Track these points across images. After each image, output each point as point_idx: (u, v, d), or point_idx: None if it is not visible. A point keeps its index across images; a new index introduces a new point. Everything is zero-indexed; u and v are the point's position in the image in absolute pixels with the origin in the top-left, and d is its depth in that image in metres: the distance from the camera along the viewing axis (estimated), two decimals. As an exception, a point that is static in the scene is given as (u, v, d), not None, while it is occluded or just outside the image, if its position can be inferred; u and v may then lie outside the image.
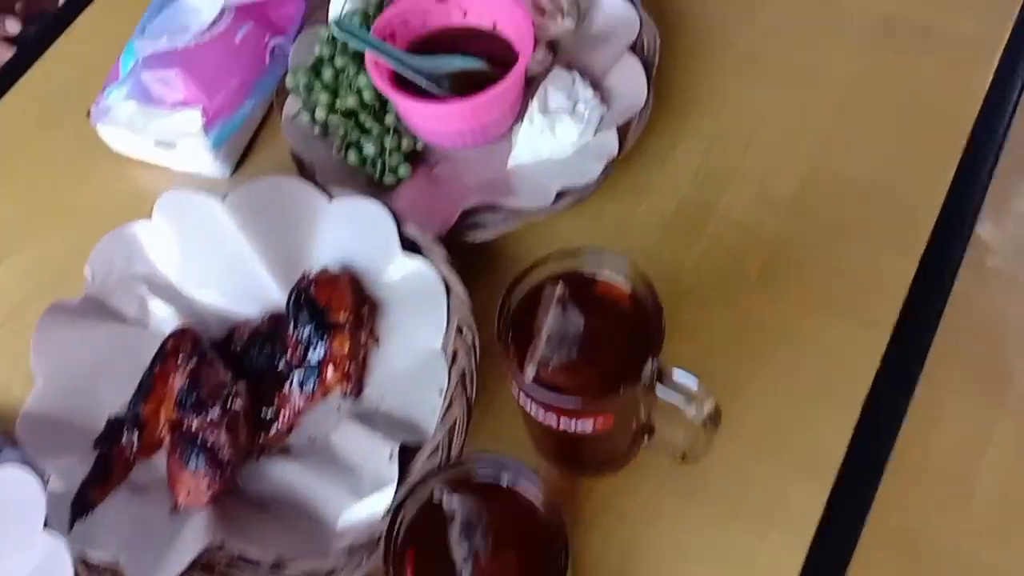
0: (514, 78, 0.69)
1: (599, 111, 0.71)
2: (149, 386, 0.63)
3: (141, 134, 0.75)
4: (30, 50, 0.88)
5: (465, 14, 0.74)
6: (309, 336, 0.63)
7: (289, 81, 0.75)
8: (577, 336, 0.50)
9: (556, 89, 0.71)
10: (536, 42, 0.74)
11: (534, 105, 0.71)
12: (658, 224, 0.71)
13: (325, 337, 0.63)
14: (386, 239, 0.65)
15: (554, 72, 0.73)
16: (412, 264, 0.64)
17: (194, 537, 0.57)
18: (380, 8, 0.77)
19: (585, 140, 0.71)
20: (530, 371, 0.50)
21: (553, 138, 0.70)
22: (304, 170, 0.73)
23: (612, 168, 0.69)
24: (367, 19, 0.76)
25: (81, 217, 0.79)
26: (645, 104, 0.71)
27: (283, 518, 0.60)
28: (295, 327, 0.64)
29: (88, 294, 0.67)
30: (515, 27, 0.71)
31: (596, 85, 0.73)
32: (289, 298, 0.65)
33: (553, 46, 0.77)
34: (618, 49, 0.74)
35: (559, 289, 0.51)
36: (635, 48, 0.74)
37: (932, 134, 0.72)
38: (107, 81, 0.77)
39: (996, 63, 0.74)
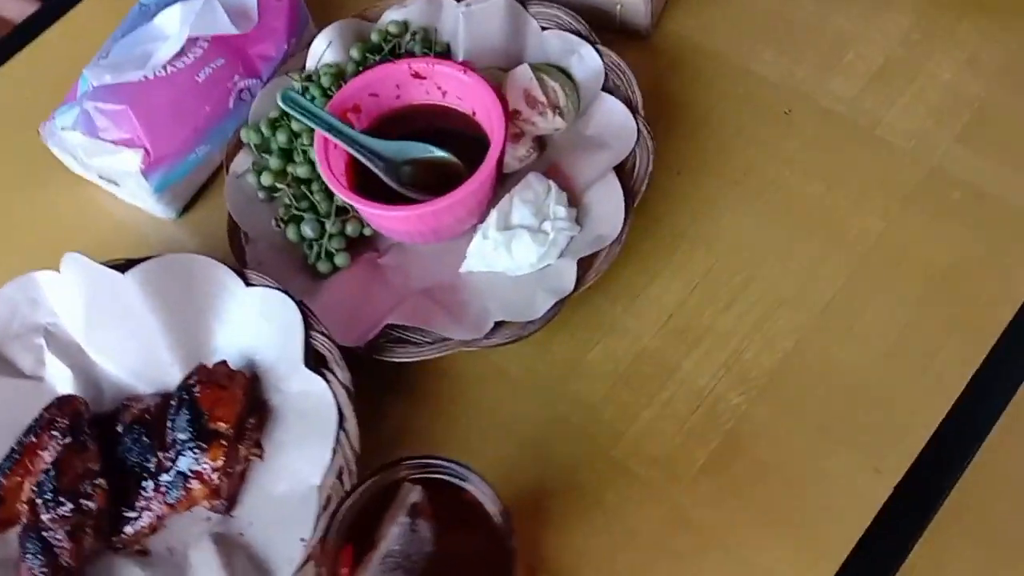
0: (474, 185, 0.60)
1: (568, 234, 0.63)
2: (17, 456, 0.59)
3: (84, 165, 0.70)
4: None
5: (444, 94, 0.66)
6: (183, 441, 0.57)
7: (243, 135, 0.68)
8: (422, 558, 0.43)
9: (523, 202, 0.63)
10: (521, 136, 0.66)
11: (492, 217, 0.62)
12: (609, 375, 0.62)
13: (199, 446, 0.57)
14: (294, 344, 0.59)
15: (528, 179, 0.64)
16: (311, 381, 0.58)
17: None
18: (358, 68, 0.69)
19: (547, 263, 0.62)
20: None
21: (509, 256, 0.62)
22: (236, 236, 0.66)
23: (562, 305, 0.60)
24: (340, 77, 0.69)
25: (26, 234, 0.75)
26: (617, 239, 0.61)
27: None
28: (171, 427, 0.58)
29: (-18, 341, 0.63)
30: (489, 120, 0.63)
31: (574, 200, 0.64)
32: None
33: (542, 142, 0.68)
34: (607, 163, 0.65)
35: (414, 496, 0.43)
36: (624, 166, 0.64)
37: (956, 328, 0.60)
38: (66, 98, 0.71)
39: (1056, 253, 0.62)
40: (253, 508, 0.58)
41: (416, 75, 0.65)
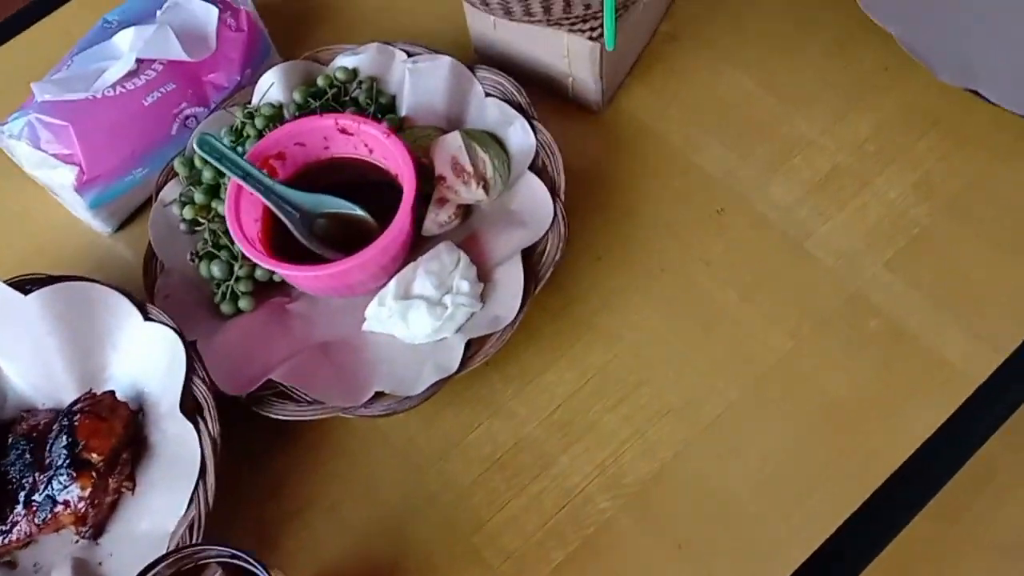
0: (380, 246, 0.61)
1: (467, 310, 0.63)
2: (-98, 451, 0.62)
3: (28, 172, 0.72)
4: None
5: (371, 151, 0.67)
6: (57, 466, 0.59)
7: (175, 164, 0.70)
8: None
9: (427, 272, 0.63)
10: (445, 202, 0.67)
11: (391, 286, 0.63)
12: (486, 458, 0.62)
13: (70, 474, 0.59)
14: (176, 386, 0.60)
15: (439, 249, 0.65)
16: (184, 427, 0.59)
17: None
18: (297, 112, 0.70)
19: (442, 336, 0.63)
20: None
21: (404, 326, 0.62)
22: (152, 264, 0.68)
23: (443, 384, 0.60)
24: (276, 120, 0.69)
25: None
26: (511, 323, 0.61)
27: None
28: (49, 451, 0.60)
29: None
30: (406, 183, 0.63)
31: (484, 275, 0.64)
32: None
33: (467, 211, 0.68)
34: (518, 243, 0.64)
35: (213, 579, 0.44)
36: (535, 248, 0.64)
37: (839, 467, 0.59)
38: (22, 105, 0.73)
39: (965, 398, 0.60)
40: (116, 540, 0.60)
41: (343, 131, 0.66)
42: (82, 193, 0.70)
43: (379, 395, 0.61)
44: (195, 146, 0.62)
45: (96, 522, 0.60)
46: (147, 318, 0.63)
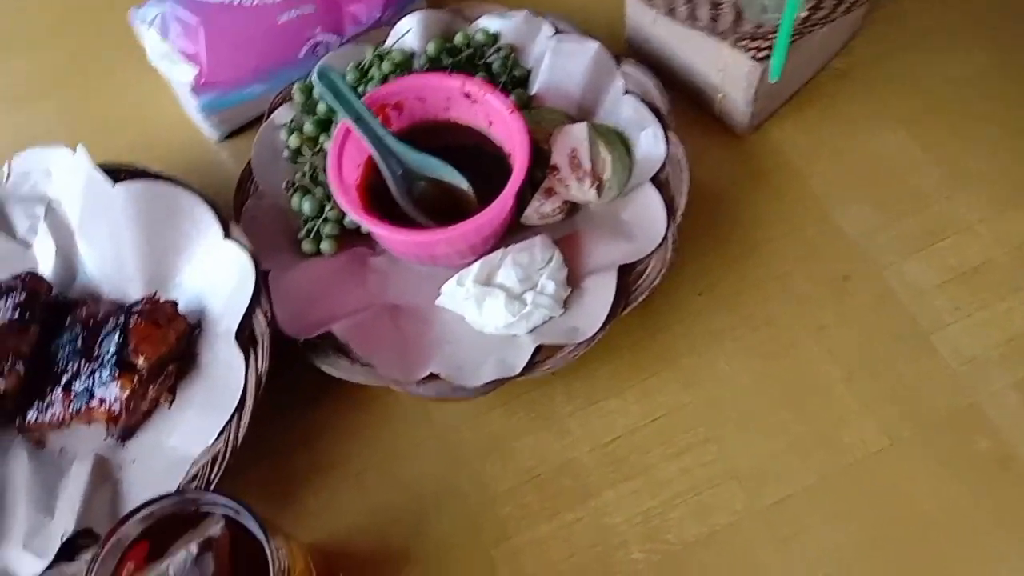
0: (473, 225, 0.58)
1: (546, 312, 0.59)
2: (-34, 310, 0.63)
3: (152, 62, 0.72)
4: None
5: (490, 124, 0.63)
6: (103, 362, 0.59)
7: (294, 89, 0.68)
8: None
9: (516, 264, 0.60)
10: (552, 193, 0.63)
11: (474, 268, 0.60)
12: (526, 470, 0.59)
13: (114, 372, 0.58)
14: (237, 312, 0.59)
15: (533, 242, 0.61)
16: (235, 356, 0.58)
17: None
18: (437, 58, 0.67)
19: (514, 332, 0.59)
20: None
21: (477, 311, 0.60)
22: (247, 183, 0.67)
23: (499, 384, 0.57)
24: (405, 67, 0.67)
25: (90, 103, 0.79)
26: (586, 340, 0.57)
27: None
28: (99, 344, 0.60)
29: (-7, 190, 0.67)
30: (517, 165, 0.59)
31: (574, 280, 0.61)
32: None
33: (573, 207, 0.64)
34: (619, 257, 0.60)
35: (214, 531, 0.43)
36: (635, 267, 0.60)
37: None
38: (162, -8, 0.73)
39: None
40: (142, 449, 0.60)
41: (468, 96, 0.63)
42: (197, 95, 0.70)
43: (434, 376, 0.58)
44: (314, 76, 0.60)
45: (127, 425, 0.60)
46: (227, 236, 0.62)
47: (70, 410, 0.59)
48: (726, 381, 0.60)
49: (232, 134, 0.75)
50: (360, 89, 0.67)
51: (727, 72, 0.65)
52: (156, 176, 0.64)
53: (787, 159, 0.68)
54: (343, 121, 0.61)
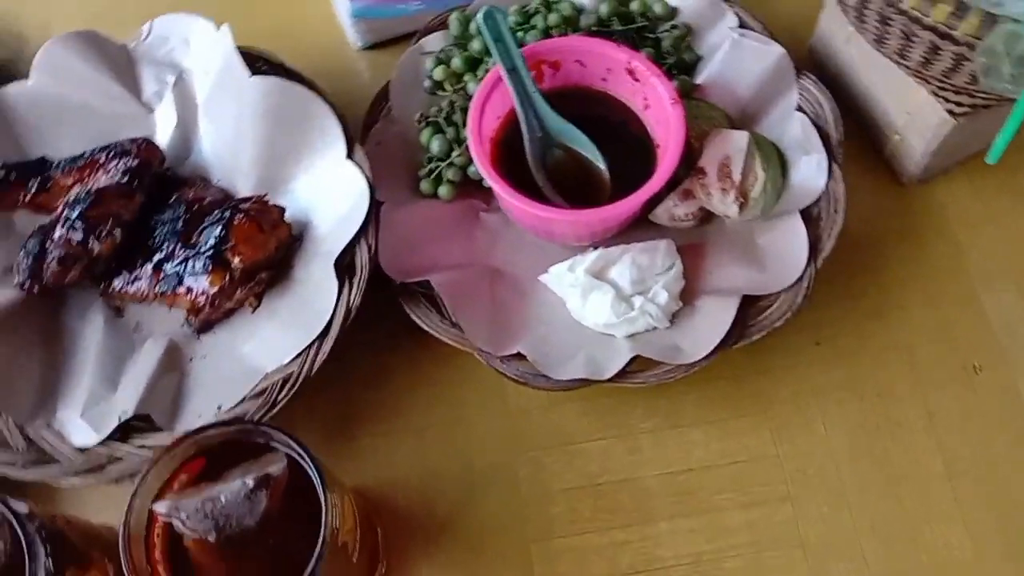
0: (602, 214, 0.56)
1: (652, 323, 0.56)
2: (81, 163, 0.63)
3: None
4: None
5: (646, 107, 0.60)
6: (199, 251, 0.58)
7: (451, 18, 0.65)
8: (238, 525, 0.41)
9: (634, 263, 0.57)
10: (690, 197, 0.59)
11: (590, 257, 0.57)
12: (587, 475, 0.57)
13: (207, 265, 0.57)
14: (342, 237, 0.57)
15: (659, 245, 0.58)
16: (330, 281, 0.56)
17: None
18: (606, 21, 0.63)
19: (612, 333, 0.57)
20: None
21: (581, 302, 0.57)
22: (380, 104, 0.64)
23: (584, 384, 0.55)
24: (570, 24, 0.63)
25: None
26: (685, 365, 0.54)
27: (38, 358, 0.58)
28: (200, 232, 0.59)
29: (130, 47, 0.66)
30: (666, 160, 0.56)
31: (689, 295, 0.57)
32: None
33: (708, 215, 0.60)
34: (741, 286, 0.57)
35: (275, 469, 0.42)
36: (757, 301, 0.56)
37: None
38: None
39: None
40: (215, 347, 0.59)
41: (631, 72, 0.59)
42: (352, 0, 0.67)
43: (520, 356, 0.56)
44: (480, 16, 0.57)
45: (207, 319, 0.59)
46: (350, 156, 0.60)
47: (156, 289, 0.59)
48: (820, 443, 0.57)
49: (376, 45, 0.72)
50: (518, 36, 0.63)
51: (914, 117, 0.59)
52: (294, 76, 0.62)
53: (948, 223, 0.63)
54: (496, 68, 0.57)
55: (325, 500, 0.40)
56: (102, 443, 0.54)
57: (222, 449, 0.43)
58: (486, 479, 0.57)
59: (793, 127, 0.61)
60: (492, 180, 0.56)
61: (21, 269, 0.59)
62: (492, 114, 0.59)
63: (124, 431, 0.55)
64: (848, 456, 0.56)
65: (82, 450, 0.55)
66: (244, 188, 0.63)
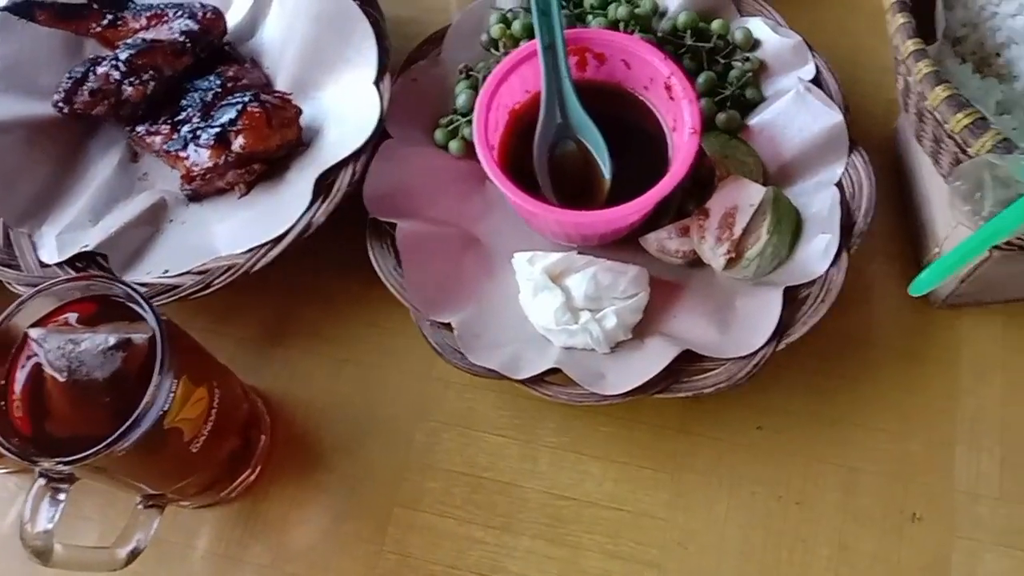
0: (589, 220, 0.54)
1: (589, 343, 0.54)
2: (153, 12, 0.67)
3: None
4: None
5: (673, 128, 0.57)
6: (208, 125, 0.61)
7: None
8: (81, 372, 0.44)
9: (594, 279, 0.55)
10: (686, 234, 0.57)
11: (552, 258, 0.56)
12: (472, 465, 0.56)
13: (210, 141, 0.60)
14: (337, 156, 0.58)
15: (634, 272, 0.56)
16: (304, 194, 0.58)
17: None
18: (680, 33, 0.61)
19: (553, 340, 0.55)
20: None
21: (531, 298, 0.56)
22: (430, 47, 0.64)
23: (499, 377, 0.54)
24: (643, 22, 0.61)
25: None
26: (604, 397, 0.52)
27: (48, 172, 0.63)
28: (216, 109, 0.61)
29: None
30: (659, 188, 0.53)
31: (640, 330, 0.55)
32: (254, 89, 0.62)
33: (697, 260, 0.57)
34: (699, 340, 0.54)
35: (139, 337, 0.44)
36: (702, 359, 0.53)
37: None
38: None
39: None
40: (194, 217, 0.62)
41: (668, 88, 0.56)
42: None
43: (447, 326, 0.55)
44: (536, -15, 0.55)
45: (198, 190, 0.62)
46: (377, 83, 0.61)
47: (164, 146, 0.63)
48: (713, 526, 0.54)
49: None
50: (587, 19, 0.61)
51: (952, 237, 0.53)
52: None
53: (956, 361, 0.57)
54: (531, 43, 0.56)
55: (158, 375, 0.42)
56: (62, 268, 0.59)
57: (111, 302, 0.46)
58: (381, 430, 0.57)
59: (822, 201, 0.57)
60: (488, 166, 0.54)
61: (59, 89, 0.63)
62: (511, 98, 0.58)
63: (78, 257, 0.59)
64: (737, 551, 0.53)
65: (44, 266, 0.59)
66: (282, 82, 0.65)
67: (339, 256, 0.60)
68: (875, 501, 0.54)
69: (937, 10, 0.46)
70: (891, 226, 0.61)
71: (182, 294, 0.56)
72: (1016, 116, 0.45)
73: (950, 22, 0.48)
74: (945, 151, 0.43)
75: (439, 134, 0.62)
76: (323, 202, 0.57)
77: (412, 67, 0.64)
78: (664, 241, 0.57)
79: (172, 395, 0.44)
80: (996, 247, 0.49)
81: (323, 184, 0.58)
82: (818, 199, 0.57)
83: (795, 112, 0.58)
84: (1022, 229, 0.40)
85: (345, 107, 0.62)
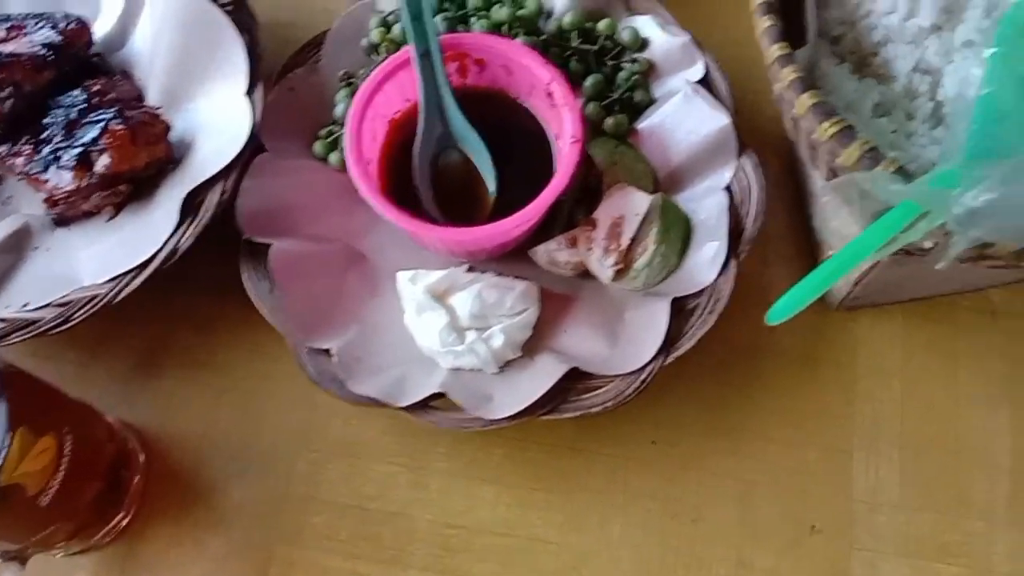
0: (469, 237, 0.52)
1: (476, 364, 0.52)
2: (11, 23, 0.62)
3: None
4: None
5: (557, 136, 0.55)
6: (72, 144, 0.57)
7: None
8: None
9: (478, 297, 0.53)
10: (575, 244, 0.54)
11: (438, 275, 0.53)
12: (356, 495, 0.54)
13: (73, 161, 0.56)
14: (201, 175, 0.55)
15: (517, 286, 0.54)
16: (171, 215, 0.54)
17: None
18: (566, 34, 0.58)
19: (439, 361, 0.53)
20: None
21: (416, 317, 0.53)
22: (309, 51, 0.61)
23: (377, 404, 0.51)
24: (528, 26, 0.58)
25: None
26: (492, 421, 0.50)
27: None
28: (82, 125, 0.58)
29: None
30: (541, 199, 0.51)
31: (530, 348, 0.53)
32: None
33: (588, 273, 0.55)
34: (588, 357, 0.52)
35: None
36: (590, 377, 0.51)
37: None
38: None
39: None
40: (61, 243, 0.59)
41: (549, 96, 0.54)
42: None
43: (326, 352, 0.53)
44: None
45: (63, 215, 0.58)
46: (249, 93, 0.57)
47: (26, 168, 0.59)
48: (608, 547, 0.52)
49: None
50: (472, 22, 0.59)
51: (846, 241, 0.52)
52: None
53: (854, 364, 0.56)
54: (403, 52, 0.53)
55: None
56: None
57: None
58: (262, 462, 0.55)
59: (712, 206, 0.55)
60: (352, 166, 0.52)
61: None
62: (389, 108, 0.55)
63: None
64: (631, 572, 0.51)
65: None
66: (154, 93, 0.61)
67: (217, 278, 0.57)
68: (772, 514, 0.52)
69: (807, 10, 0.45)
70: (788, 228, 0.59)
71: (40, 330, 0.52)
72: (895, 118, 0.44)
73: (827, 21, 0.47)
74: (820, 158, 0.42)
75: (318, 146, 0.59)
76: (190, 224, 0.54)
77: (289, 75, 0.61)
78: (553, 253, 0.55)
79: (4, 451, 0.40)
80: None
81: (192, 204, 0.55)
82: (707, 204, 0.55)
83: (683, 115, 0.56)
84: (888, 249, 0.38)
85: (217, 120, 0.58)
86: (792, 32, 0.43)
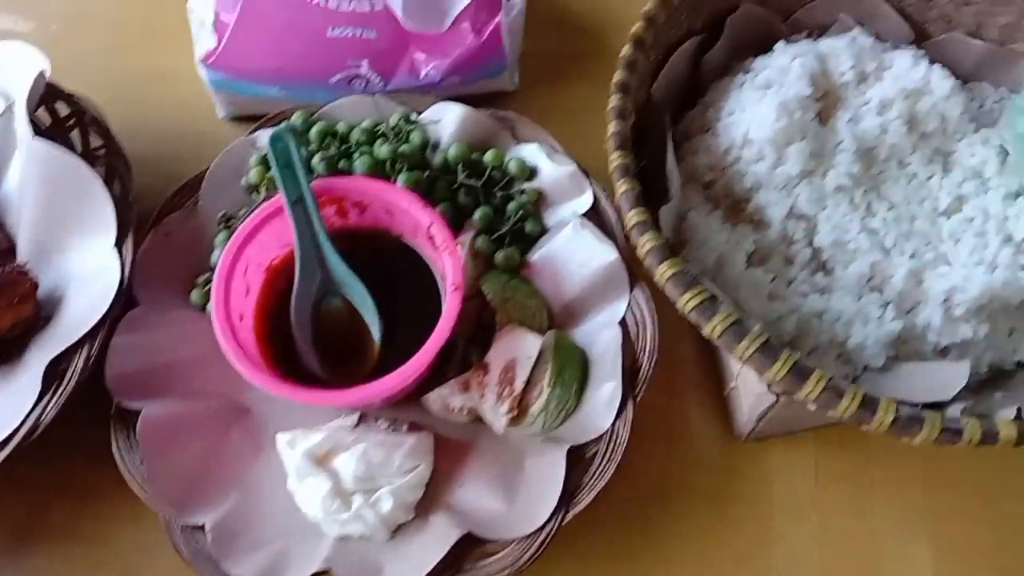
0: (348, 397, 0.48)
1: (364, 531, 0.49)
2: None
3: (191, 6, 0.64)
4: None
5: (444, 277, 0.52)
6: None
7: (294, 116, 0.59)
8: None
9: (362, 459, 0.49)
10: (467, 390, 0.52)
11: (318, 438, 0.50)
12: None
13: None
14: (68, 338, 0.52)
15: (406, 442, 0.51)
16: (33, 384, 0.51)
17: None
18: (451, 167, 0.56)
19: (326, 530, 0.49)
20: None
21: (297, 481, 0.50)
22: (187, 190, 0.59)
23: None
24: (413, 160, 0.56)
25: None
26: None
27: None
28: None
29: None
30: (424, 350, 0.48)
31: (423, 508, 0.50)
32: None
33: (481, 419, 0.53)
34: (486, 519, 0.49)
35: None
36: (484, 543, 0.48)
37: None
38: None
39: None
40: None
41: (431, 239, 0.51)
42: (206, 68, 0.62)
43: (200, 530, 0.49)
44: (270, 138, 0.50)
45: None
46: (118, 245, 0.54)
47: None
48: None
49: (242, 118, 0.66)
50: (357, 157, 0.57)
51: (744, 372, 0.50)
52: (74, 151, 0.57)
53: (769, 499, 0.53)
54: (276, 198, 0.51)
55: None
56: None
57: None
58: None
59: (607, 341, 0.52)
60: (219, 326, 0.49)
61: None
62: (277, 243, 0.53)
63: None
64: None
65: None
66: (24, 244, 0.58)
67: (93, 443, 0.53)
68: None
69: (668, 166, 0.43)
70: (694, 351, 0.57)
71: None
72: (773, 265, 0.42)
73: (697, 167, 0.45)
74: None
75: (195, 294, 0.56)
76: (54, 395, 0.51)
77: (165, 219, 0.58)
78: (448, 399, 0.52)
79: None
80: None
81: (57, 370, 0.52)
82: (603, 339, 0.53)
83: (573, 248, 0.54)
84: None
85: (87, 273, 0.55)
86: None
